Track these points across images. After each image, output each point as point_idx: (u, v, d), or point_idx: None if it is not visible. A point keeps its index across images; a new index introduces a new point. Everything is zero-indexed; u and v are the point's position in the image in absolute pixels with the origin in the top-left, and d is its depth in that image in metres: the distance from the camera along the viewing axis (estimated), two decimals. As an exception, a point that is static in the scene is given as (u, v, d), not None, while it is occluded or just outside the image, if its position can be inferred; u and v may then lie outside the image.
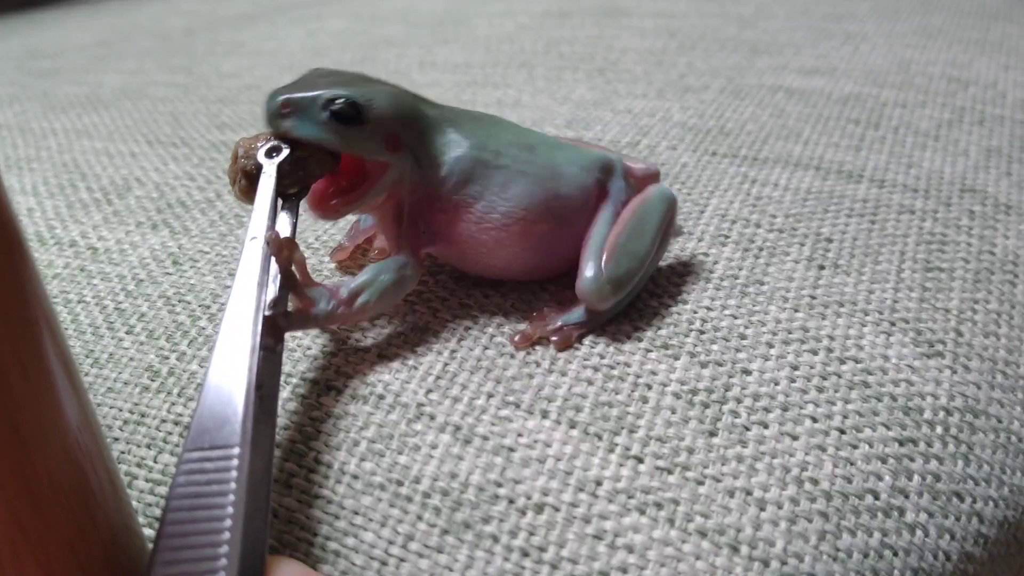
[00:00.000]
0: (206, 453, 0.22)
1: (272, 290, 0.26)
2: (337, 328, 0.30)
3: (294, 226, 0.27)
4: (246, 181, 0.27)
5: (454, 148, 0.29)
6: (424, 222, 0.29)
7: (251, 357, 0.23)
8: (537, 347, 0.29)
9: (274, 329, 0.25)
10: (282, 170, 0.27)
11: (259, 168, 0.27)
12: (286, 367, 0.29)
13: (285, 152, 0.27)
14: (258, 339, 0.24)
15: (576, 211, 0.30)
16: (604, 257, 0.29)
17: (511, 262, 0.30)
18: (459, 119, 0.30)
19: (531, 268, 0.31)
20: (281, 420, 0.28)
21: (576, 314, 0.30)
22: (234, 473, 0.21)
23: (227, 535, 0.20)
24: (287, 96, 0.27)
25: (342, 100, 0.27)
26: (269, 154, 0.27)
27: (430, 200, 0.29)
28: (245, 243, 0.26)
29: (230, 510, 0.21)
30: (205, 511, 0.21)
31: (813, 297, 0.32)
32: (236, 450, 0.22)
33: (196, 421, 0.22)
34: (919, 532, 0.26)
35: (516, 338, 0.29)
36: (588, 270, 0.29)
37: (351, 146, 0.27)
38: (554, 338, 0.29)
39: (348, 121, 0.27)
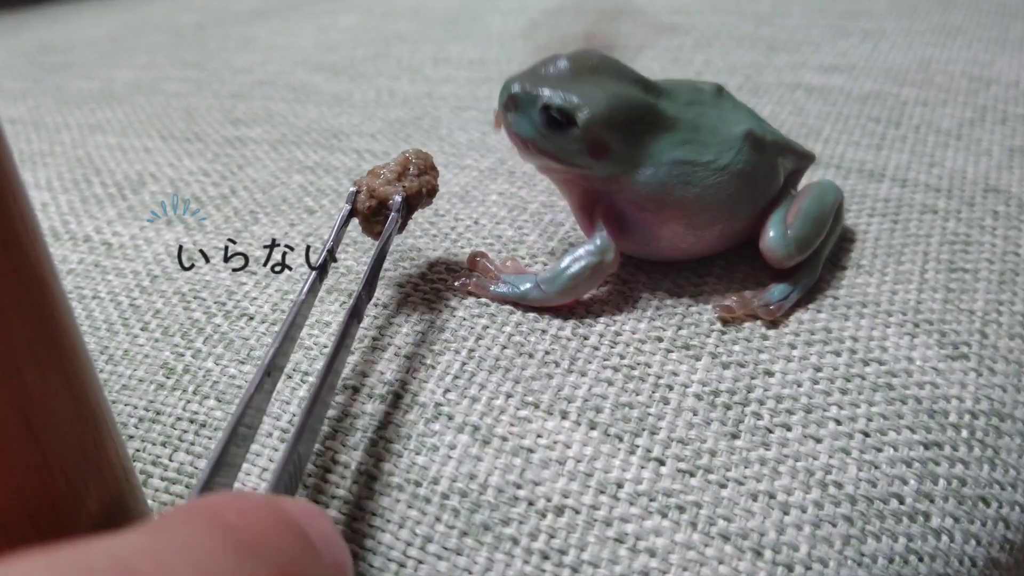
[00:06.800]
0: None
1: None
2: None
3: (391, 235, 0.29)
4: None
5: (675, 152, 0.29)
6: (622, 218, 0.30)
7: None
8: (555, 347, 0.29)
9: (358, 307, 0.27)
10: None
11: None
12: (302, 365, 0.29)
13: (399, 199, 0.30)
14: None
15: (773, 200, 0.31)
16: (788, 219, 0.31)
17: (702, 250, 0.31)
18: (688, 114, 0.30)
19: (716, 251, 0.32)
20: (297, 419, 0.27)
21: (777, 291, 0.30)
22: None
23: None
24: (514, 91, 0.28)
25: (553, 111, 0.28)
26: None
27: (637, 202, 0.29)
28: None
29: None
30: None
31: (836, 298, 0.31)
32: None
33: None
34: (945, 537, 0.26)
35: (721, 308, 0.30)
36: (773, 229, 0.30)
37: (557, 150, 0.28)
38: (764, 314, 0.30)
39: (557, 126, 0.28)
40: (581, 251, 0.29)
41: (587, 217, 0.30)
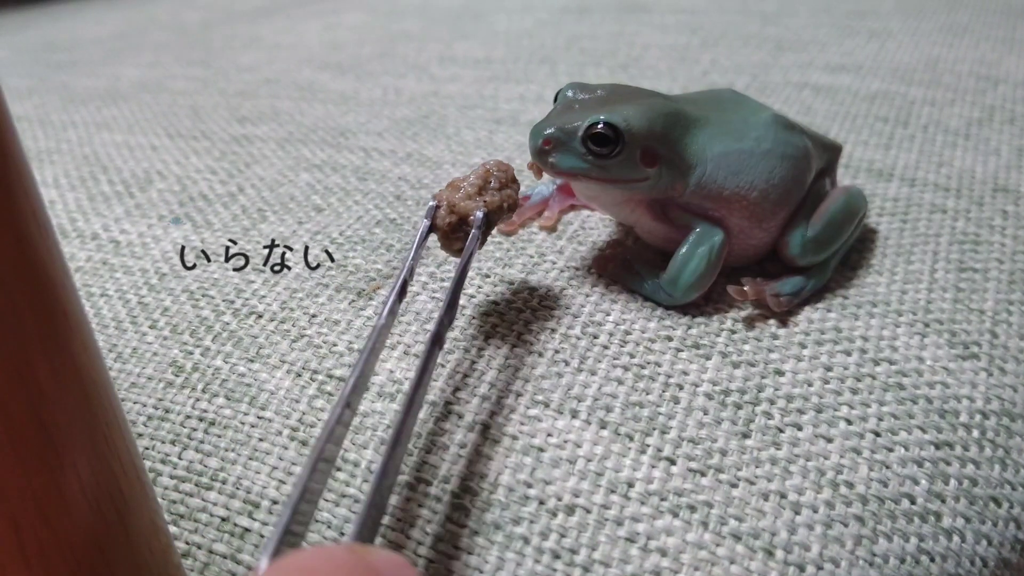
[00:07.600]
0: None
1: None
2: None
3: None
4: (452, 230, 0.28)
5: (715, 146, 0.29)
6: (693, 219, 0.30)
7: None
8: (564, 345, 0.29)
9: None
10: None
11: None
12: (312, 363, 0.29)
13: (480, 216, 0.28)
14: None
15: (807, 193, 0.32)
16: (813, 219, 0.31)
17: (769, 245, 0.31)
18: (713, 112, 0.31)
19: (771, 248, 0.32)
20: (309, 418, 0.27)
21: (789, 285, 0.30)
22: None
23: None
24: (547, 133, 0.28)
25: (599, 128, 0.28)
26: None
27: (699, 204, 0.29)
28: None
29: None
30: None
31: (846, 297, 0.31)
32: None
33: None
34: (956, 537, 0.25)
35: (733, 288, 0.30)
36: (795, 228, 0.31)
37: (611, 171, 0.28)
38: (773, 304, 0.30)
39: (606, 148, 0.28)
40: (689, 244, 0.29)
41: (668, 222, 0.30)
